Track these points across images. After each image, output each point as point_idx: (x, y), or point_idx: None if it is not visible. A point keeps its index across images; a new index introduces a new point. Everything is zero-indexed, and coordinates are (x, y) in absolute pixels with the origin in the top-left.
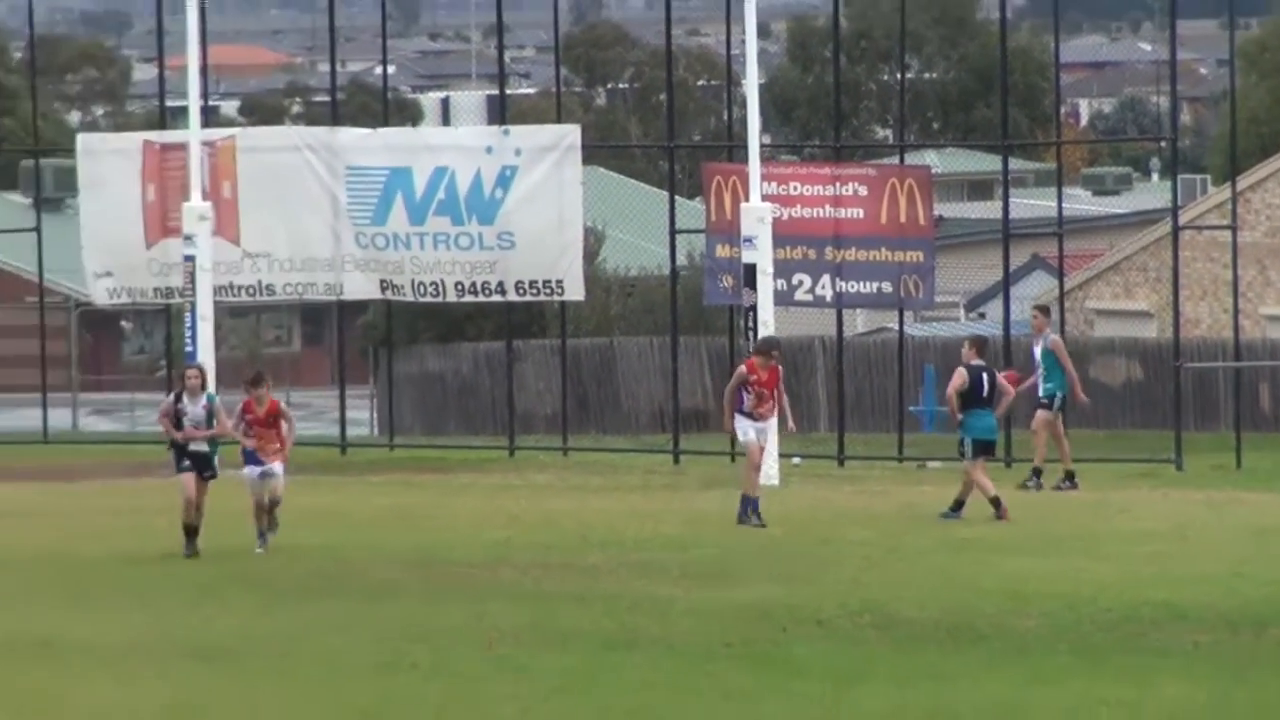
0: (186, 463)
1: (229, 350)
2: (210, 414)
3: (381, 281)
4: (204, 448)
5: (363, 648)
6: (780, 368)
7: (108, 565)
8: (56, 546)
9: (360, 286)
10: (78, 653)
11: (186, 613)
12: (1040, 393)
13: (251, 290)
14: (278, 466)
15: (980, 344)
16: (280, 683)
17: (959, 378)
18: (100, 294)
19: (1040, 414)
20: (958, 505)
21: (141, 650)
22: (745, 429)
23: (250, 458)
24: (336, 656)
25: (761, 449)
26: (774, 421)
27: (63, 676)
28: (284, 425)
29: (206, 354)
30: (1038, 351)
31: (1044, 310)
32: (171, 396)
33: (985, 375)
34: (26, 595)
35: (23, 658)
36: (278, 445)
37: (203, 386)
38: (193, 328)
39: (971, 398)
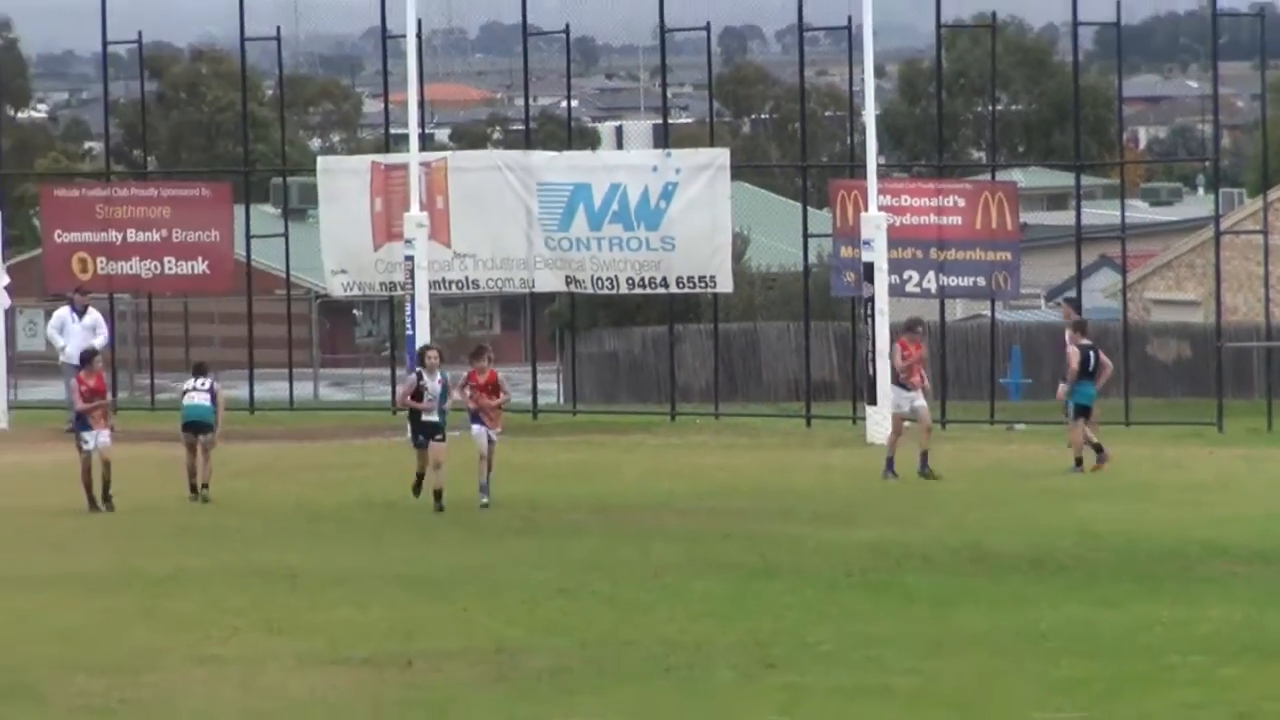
0: (420, 437)
1: (441, 334)
2: (445, 387)
3: (566, 277)
4: (435, 418)
5: (550, 577)
6: (923, 343)
7: (342, 510)
8: (301, 495)
9: (549, 281)
10: (318, 582)
11: (406, 549)
12: None
13: (460, 284)
14: (495, 432)
15: (1083, 326)
16: (482, 606)
17: (1075, 356)
18: (336, 288)
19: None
20: (1078, 462)
21: (369, 579)
22: (896, 399)
23: (475, 418)
24: (529, 584)
25: (903, 418)
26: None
27: (306, 600)
28: (502, 393)
29: (424, 336)
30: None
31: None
32: (414, 375)
33: (1091, 353)
34: (278, 535)
35: (274, 586)
36: (497, 405)
37: (440, 363)
38: (412, 315)
39: (1080, 371)
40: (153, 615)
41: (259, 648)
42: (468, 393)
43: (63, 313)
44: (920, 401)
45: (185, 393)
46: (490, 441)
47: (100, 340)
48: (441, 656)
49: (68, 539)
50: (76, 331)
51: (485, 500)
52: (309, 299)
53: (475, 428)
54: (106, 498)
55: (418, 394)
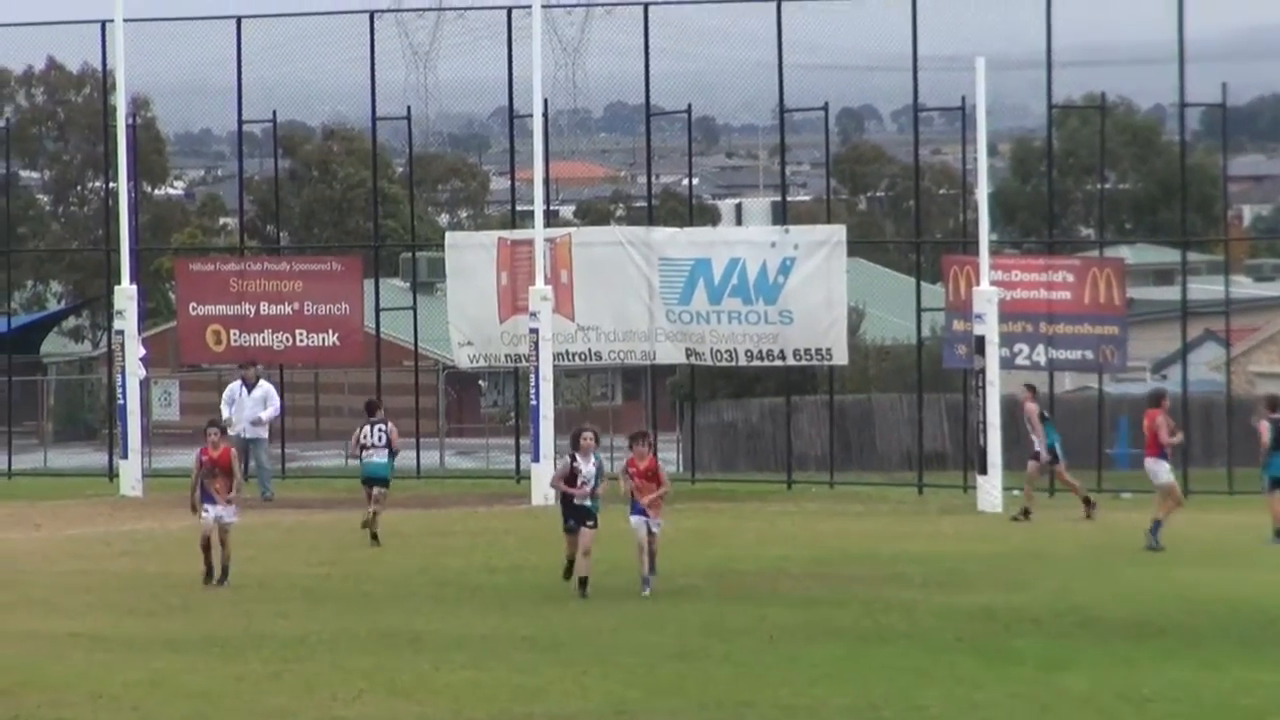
0: (571, 522)
1: (564, 404)
2: (599, 470)
3: (687, 349)
4: (588, 502)
5: (668, 641)
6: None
7: (466, 575)
8: (426, 560)
9: (669, 353)
10: (442, 644)
11: (528, 613)
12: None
13: (583, 356)
14: (656, 523)
15: (1274, 402)
16: (602, 668)
17: (1266, 430)
18: (463, 359)
19: (1031, 464)
20: (1277, 533)
21: (492, 642)
22: (1156, 469)
23: (634, 508)
24: (646, 647)
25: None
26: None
27: (430, 663)
28: (664, 484)
29: (547, 407)
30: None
31: (1032, 388)
32: (567, 458)
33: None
34: (403, 599)
35: (398, 648)
36: (655, 495)
37: (595, 446)
38: (536, 386)
39: (1272, 444)
40: (281, 678)
41: (384, 710)
42: (631, 483)
43: (234, 386)
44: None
45: (363, 448)
46: (651, 532)
47: (269, 412)
48: (561, 718)
49: (198, 604)
50: (247, 404)
51: (647, 592)
52: (436, 370)
53: (634, 518)
54: (224, 571)
55: (571, 477)
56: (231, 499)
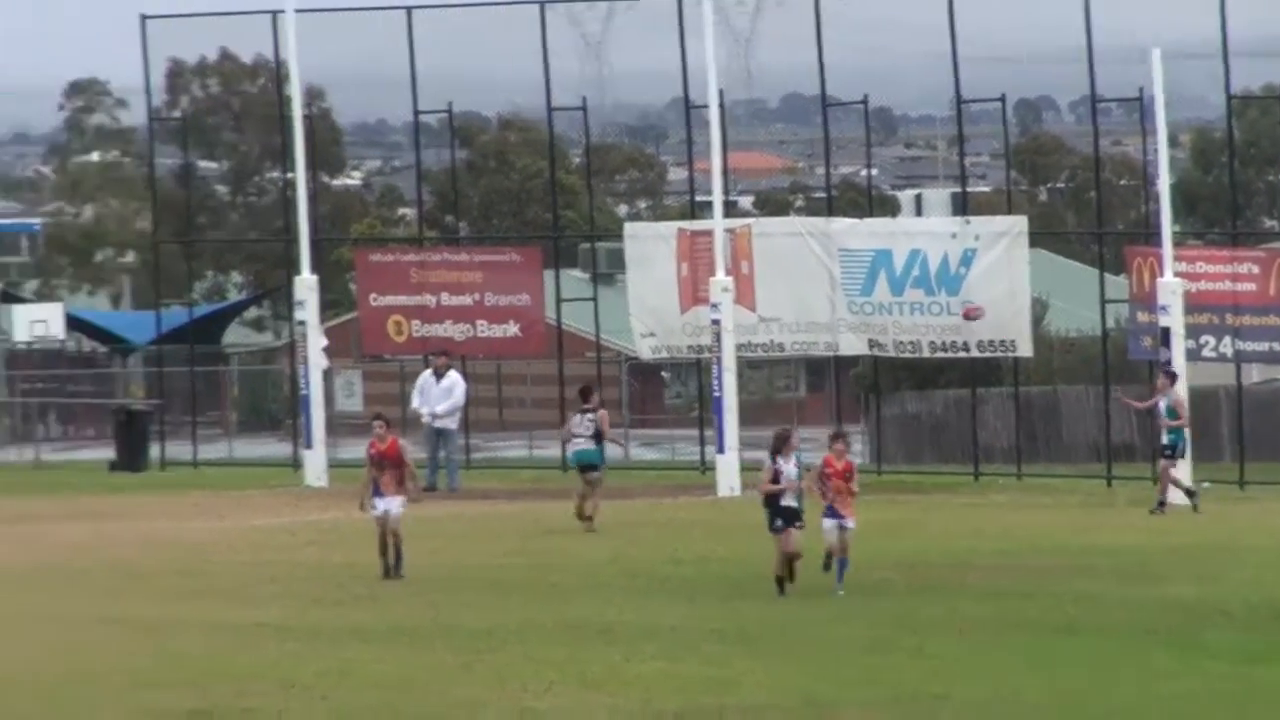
0: (779, 522)
1: (747, 396)
2: (800, 470)
3: (869, 340)
4: (794, 502)
5: (858, 633)
6: None
7: (654, 566)
8: (613, 551)
9: (852, 344)
10: (632, 636)
11: (718, 604)
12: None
13: (765, 347)
14: (849, 522)
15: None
16: (792, 660)
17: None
18: (645, 350)
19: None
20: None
21: (682, 634)
22: None
23: (829, 510)
24: (836, 639)
25: None
26: None
27: (621, 654)
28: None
29: (731, 398)
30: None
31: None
32: (769, 460)
33: None
34: (592, 590)
35: (588, 639)
36: (850, 499)
37: (796, 446)
38: (718, 378)
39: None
40: (472, 669)
41: (575, 701)
42: (826, 484)
43: (425, 376)
44: None
45: (573, 436)
46: (843, 530)
47: (445, 405)
48: (752, 710)
49: (384, 594)
50: (434, 394)
51: (841, 590)
52: (619, 361)
53: (827, 521)
54: (397, 564)
55: (774, 478)
56: (409, 490)
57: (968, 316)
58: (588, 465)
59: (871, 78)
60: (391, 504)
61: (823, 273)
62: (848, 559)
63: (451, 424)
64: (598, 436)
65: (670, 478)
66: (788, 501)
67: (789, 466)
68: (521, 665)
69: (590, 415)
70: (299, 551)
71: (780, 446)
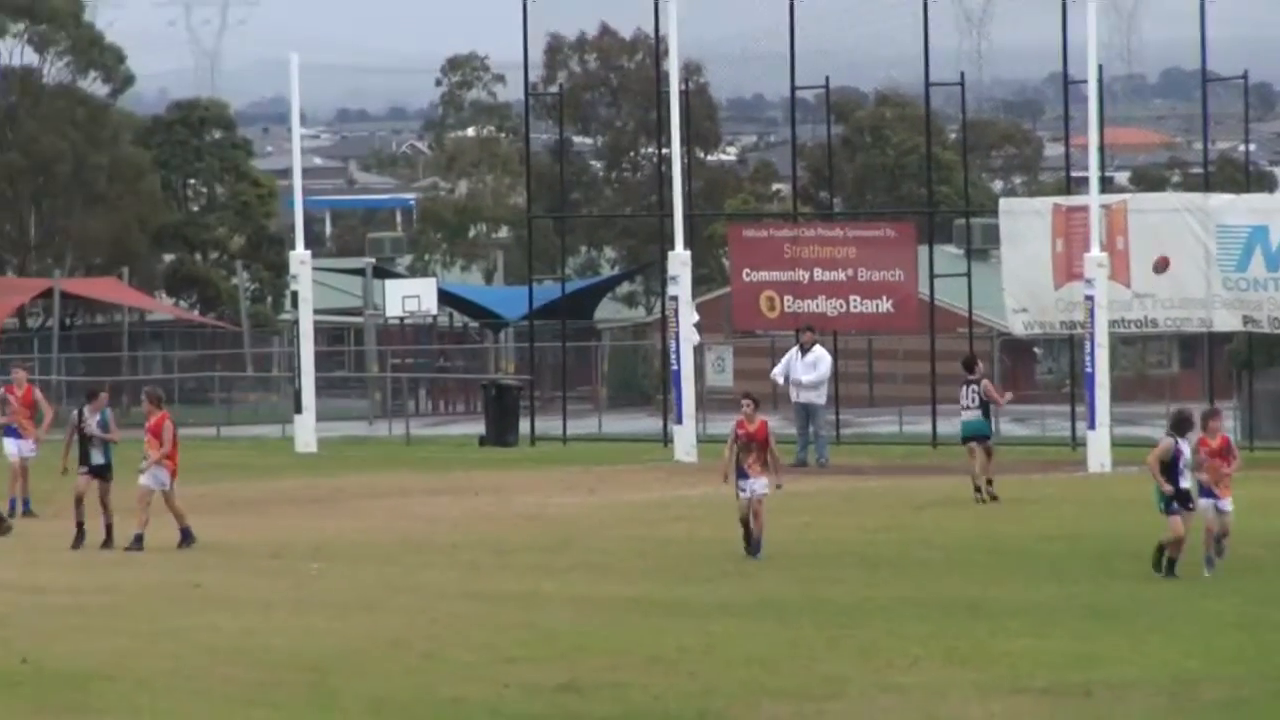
0: (1174, 504)
1: (1119, 372)
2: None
3: (1244, 317)
4: (1187, 483)
5: (1228, 609)
6: None
7: (1022, 542)
8: (982, 528)
9: (1226, 320)
10: (999, 611)
11: (1086, 580)
12: None
13: (1139, 323)
14: (1225, 503)
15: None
16: (1160, 637)
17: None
18: (1018, 326)
19: None
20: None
21: (1050, 610)
22: None
23: (1206, 491)
24: (1205, 616)
25: None
26: None
27: (987, 630)
28: (1235, 456)
29: (1103, 375)
30: None
31: None
32: (1170, 438)
33: None
34: (960, 566)
35: (956, 615)
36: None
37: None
38: (1091, 353)
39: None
40: (837, 643)
41: (940, 676)
42: (1204, 465)
43: (791, 351)
44: None
45: (962, 409)
46: (1220, 512)
47: (813, 375)
48: (1120, 687)
49: (752, 569)
50: (799, 369)
51: (1208, 573)
52: (991, 337)
53: (1203, 500)
54: (757, 544)
55: (1174, 459)
56: (777, 474)
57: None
58: (977, 435)
59: (1253, 52)
60: (756, 485)
61: (1199, 249)
62: (1225, 545)
63: (819, 399)
64: (985, 407)
65: (1040, 454)
66: (1186, 483)
67: (1186, 446)
68: (887, 640)
69: (974, 386)
70: (668, 526)
71: (1185, 427)
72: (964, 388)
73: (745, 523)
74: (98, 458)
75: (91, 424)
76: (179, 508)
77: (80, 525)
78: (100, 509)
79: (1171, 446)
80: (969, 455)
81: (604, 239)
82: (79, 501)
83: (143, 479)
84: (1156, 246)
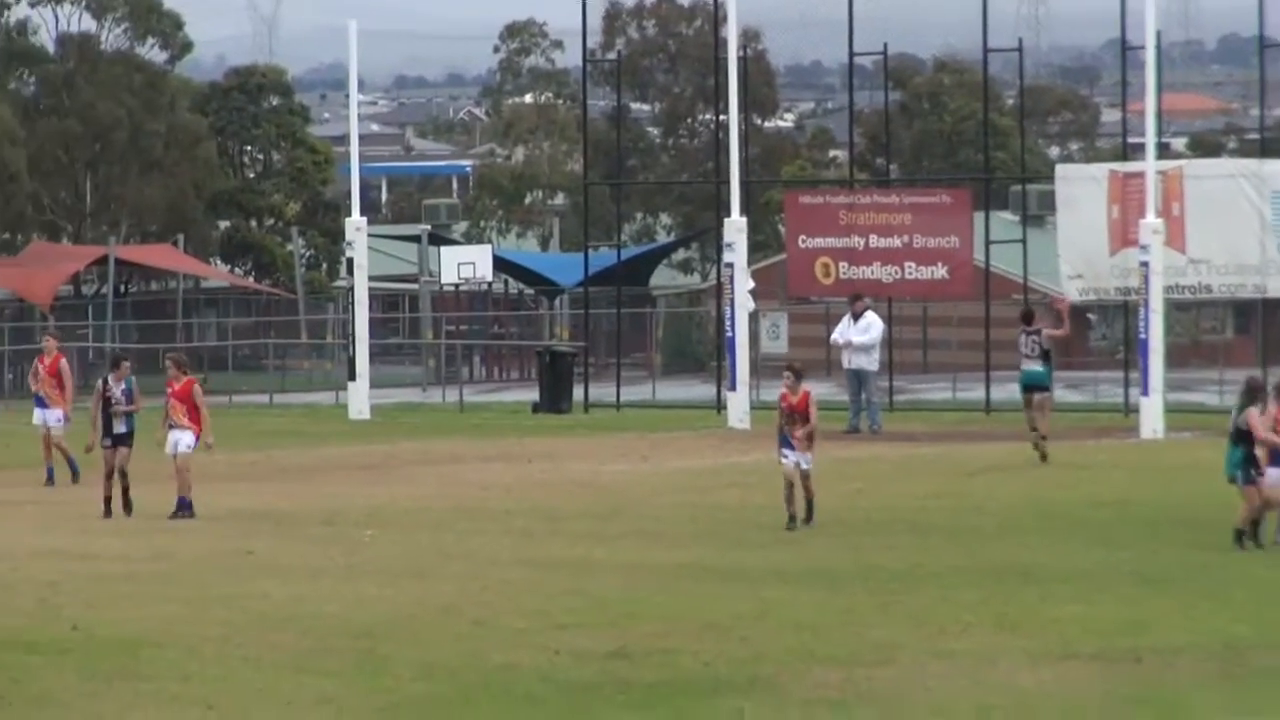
0: (1253, 471)
1: (1173, 337)
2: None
3: None
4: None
5: (1278, 576)
6: None
7: (1073, 509)
8: (1033, 494)
9: None
10: (1050, 578)
11: (1136, 546)
12: None
13: (1193, 289)
14: None
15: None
16: (1211, 603)
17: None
18: (1073, 292)
19: None
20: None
21: (1100, 576)
22: None
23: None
24: (1258, 582)
25: None
26: None
27: (1038, 596)
28: None
29: (1157, 340)
30: None
31: None
32: (1258, 406)
33: None
34: (1011, 532)
35: (1006, 582)
36: None
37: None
38: (1146, 319)
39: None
40: (888, 610)
41: (990, 643)
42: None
43: (844, 320)
44: None
45: (1023, 357)
46: None
47: (864, 338)
48: (1170, 653)
49: (804, 535)
50: (851, 335)
51: None
52: (1046, 303)
53: (1273, 471)
54: (808, 513)
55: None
56: (810, 447)
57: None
58: (1036, 385)
59: None
60: (802, 459)
61: (1254, 215)
62: None
63: (871, 365)
64: (1045, 356)
65: (1093, 420)
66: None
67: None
68: (938, 607)
69: (1034, 336)
70: (721, 493)
71: (1254, 397)
72: (1023, 337)
73: (789, 494)
74: (120, 427)
75: (116, 393)
76: (188, 479)
77: (108, 500)
78: (118, 476)
79: (1260, 413)
80: (1026, 406)
81: (660, 206)
82: (109, 475)
83: (176, 447)
84: (1212, 212)
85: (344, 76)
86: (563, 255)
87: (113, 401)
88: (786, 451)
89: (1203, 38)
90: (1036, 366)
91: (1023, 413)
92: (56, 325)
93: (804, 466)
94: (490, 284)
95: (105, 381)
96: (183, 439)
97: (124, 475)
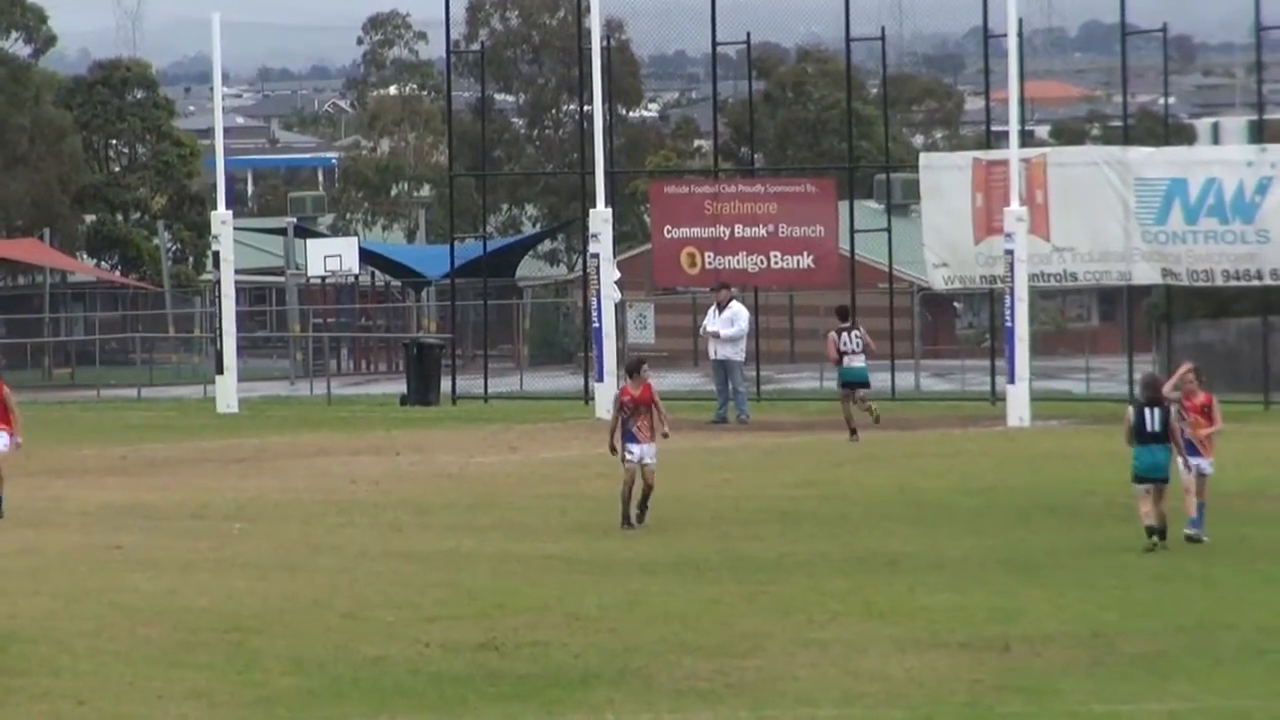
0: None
1: (1040, 325)
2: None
3: (1163, 270)
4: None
5: (1145, 562)
6: None
7: (941, 497)
8: (901, 482)
9: (1145, 274)
10: (918, 567)
11: (1005, 535)
12: None
13: (1058, 277)
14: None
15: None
16: (1078, 590)
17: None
18: (938, 281)
19: None
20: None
21: (968, 565)
22: None
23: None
24: (1123, 569)
25: None
26: None
27: (906, 585)
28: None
29: (1022, 329)
30: None
31: None
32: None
33: None
34: (879, 521)
35: (875, 571)
36: (1208, 432)
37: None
38: (1011, 308)
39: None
40: (756, 600)
41: (859, 631)
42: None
43: (710, 310)
44: None
45: (841, 354)
46: (1202, 475)
47: (731, 330)
48: (1039, 640)
49: (672, 526)
50: (716, 324)
51: (1192, 531)
52: (911, 292)
53: (1194, 459)
54: (642, 510)
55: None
56: (664, 424)
57: None
58: (859, 381)
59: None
60: (647, 451)
61: (1117, 203)
62: (1205, 502)
63: (737, 355)
64: (866, 352)
65: (960, 409)
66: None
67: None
68: (807, 596)
69: (856, 332)
70: (589, 484)
71: (1155, 394)
72: (842, 335)
73: (627, 494)
74: None
75: None
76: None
77: None
78: None
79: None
80: (845, 400)
81: (526, 197)
82: None
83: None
84: (1076, 200)
85: (208, 69)
86: (429, 247)
87: None
88: (632, 447)
89: (1065, 25)
90: (859, 363)
91: (841, 406)
92: None
93: (648, 461)
94: (357, 276)
95: None
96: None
97: None
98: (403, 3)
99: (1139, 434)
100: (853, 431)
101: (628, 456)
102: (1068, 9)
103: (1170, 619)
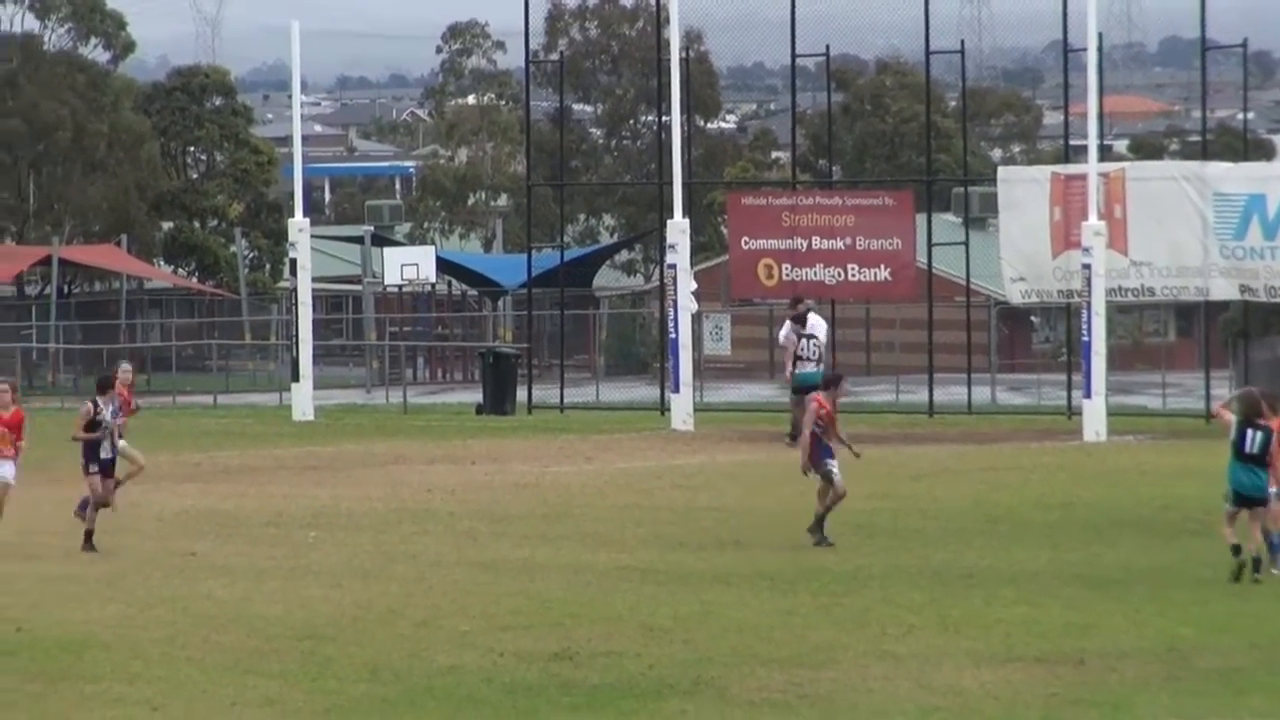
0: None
1: (1116, 340)
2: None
3: (1240, 285)
4: None
5: (1223, 577)
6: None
7: (1017, 511)
8: (977, 496)
9: (1223, 289)
10: (993, 580)
11: (1081, 549)
12: None
13: (1135, 291)
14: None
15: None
16: (1155, 605)
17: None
18: (1015, 294)
19: None
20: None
21: (1044, 579)
22: None
23: None
24: (1200, 584)
25: None
26: None
27: (982, 599)
28: None
29: (1099, 343)
30: None
31: None
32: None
33: None
34: (954, 535)
35: (950, 584)
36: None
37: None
38: (1088, 322)
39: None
40: (831, 612)
41: (934, 645)
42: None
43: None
44: None
45: (797, 359)
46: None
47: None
48: (1114, 655)
49: (748, 538)
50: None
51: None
52: (988, 305)
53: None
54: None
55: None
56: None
57: None
58: (813, 386)
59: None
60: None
61: (1196, 217)
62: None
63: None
64: (820, 359)
65: (1036, 423)
66: None
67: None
68: (881, 609)
69: (814, 340)
70: (665, 495)
71: (1256, 410)
72: (805, 340)
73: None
74: (106, 452)
75: (106, 415)
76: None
77: (90, 534)
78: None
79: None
80: (795, 406)
81: (603, 207)
82: (97, 506)
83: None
84: (1154, 214)
85: (287, 77)
86: (506, 256)
87: (103, 425)
88: (830, 461)
89: (1144, 40)
90: (812, 369)
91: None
92: None
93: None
94: (433, 285)
95: (95, 404)
96: (3, 470)
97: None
98: (481, 12)
99: (1238, 453)
100: (792, 437)
101: (833, 470)
102: (1148, 24)
103: (1246, 635)
